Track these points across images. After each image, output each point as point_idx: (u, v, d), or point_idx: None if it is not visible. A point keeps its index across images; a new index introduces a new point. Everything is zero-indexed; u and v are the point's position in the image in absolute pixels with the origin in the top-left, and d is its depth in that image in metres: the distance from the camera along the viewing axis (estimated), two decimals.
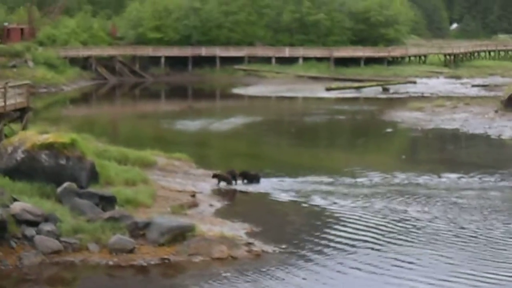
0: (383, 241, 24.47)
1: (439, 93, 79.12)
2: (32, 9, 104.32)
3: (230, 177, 32.70)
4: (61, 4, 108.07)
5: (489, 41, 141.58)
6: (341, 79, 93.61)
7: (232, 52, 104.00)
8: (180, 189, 30.59)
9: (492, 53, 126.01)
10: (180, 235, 23.34)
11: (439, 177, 34.73)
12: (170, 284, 21.15)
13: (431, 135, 50.27)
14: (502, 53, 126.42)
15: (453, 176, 35.00)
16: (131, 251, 22.53)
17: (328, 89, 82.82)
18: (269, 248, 23.45)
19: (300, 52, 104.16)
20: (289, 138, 50.89)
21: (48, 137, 27.69)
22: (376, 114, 62.21)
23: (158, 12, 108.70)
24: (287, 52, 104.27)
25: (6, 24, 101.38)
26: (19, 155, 27.08)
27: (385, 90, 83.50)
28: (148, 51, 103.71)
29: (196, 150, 41.89)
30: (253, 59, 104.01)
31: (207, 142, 48.81)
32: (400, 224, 26.46)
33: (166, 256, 22.50)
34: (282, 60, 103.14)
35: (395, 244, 24.21)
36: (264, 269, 21.75)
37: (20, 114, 36.11)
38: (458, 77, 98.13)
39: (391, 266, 22.10)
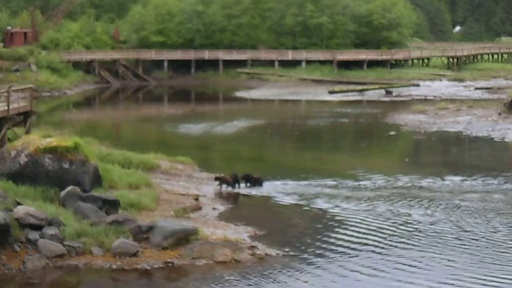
0: (386, 244, 24.45)
1: (442, 96, 79.11)
2: (35, 13, 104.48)
3: (232, 180, 32.69)
4: (64, 8, 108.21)
5: (492, 43, 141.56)
6: (344, 82, 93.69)
7: (235, 56, 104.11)
8: (183, 193, 30.59)
9: (495, 56, 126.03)
10: (183, 238, 23.34)
11: (443, 180, 34.71)
12: None
13: (434, 138, 50.23)
14: (505, 56, 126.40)
15: (457, 179, 34.98)
16: (134, 254, 22.54)
17: (331, 92, 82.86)
18: (273, 252, 23.45)
19: (303, 55, 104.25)
20: (292, 141, 50.87)
21: (52, 141, 27.72)
22: (379, 117, 62.19)
23: (161, 15, 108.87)
24: (290, 55, 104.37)
25: (9, 28, 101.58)
26: (23, 159, 27.10)
27: (388, 93, 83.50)
28: (151, 54, 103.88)
29: (199, 153, 41.89)
30: (256, 63, 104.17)
31: (210, 146, 48.83)
32: (403, 227, 26.45)
33: (169, 260, 22.50)
34: (285, 63, 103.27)
35: (398, 247, 24.20)
36: (267, 273, 21.74)
37: (24, 118, 36.19)
38: (461, 80, 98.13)
39: (395, 270, 22.07)
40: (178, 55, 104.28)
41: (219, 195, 31.52)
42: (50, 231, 22.89)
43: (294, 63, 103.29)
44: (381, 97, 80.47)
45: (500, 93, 76.39)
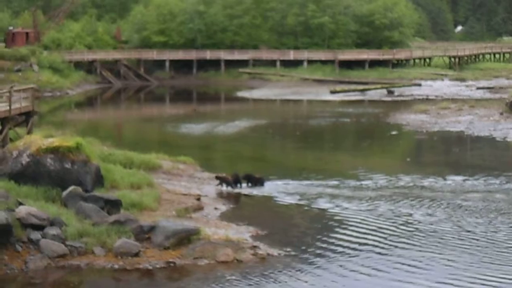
0: (388, 244, 24.45)
1: (444, 95, 79.10)
2: (37, 13, 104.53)
3: (232, 180, 32.69)
4: (65, 8, 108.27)
5: (494, 43, 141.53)
6: (346, 82, 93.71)
7: (237, 56, 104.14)
8: (185, 193, 30.61)
9: (497, 56, 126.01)
10: (185, 238, 23.36)
11: (444, 179, 34.71)
12: None
13: (436, 138, 50.22)
14: (507, 56, 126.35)
15: (458, 178, 34.98)
16: (136, 254, 22.55)
17: (333, 92, 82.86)
18: (275, 252, 23.46)
19: (304, 55, 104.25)
20: (294, 141, 50.88)
21: (53, 141, 27.74)
22: (381, 116, 62.19)
23: (162, 15, 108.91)
24: (291, 55, 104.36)
25: (11, 28, 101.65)
26: (25, 159, 27.12)
27: (390, 92, 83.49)
28: (153, 54, 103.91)
29: (201, 153, 41.90)
30: (257, 62, 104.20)
31: (212, 146, 48.84)
32: (404, 227, 26.45)
33: (171, 260, 22.52)
34: (287, 63, 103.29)
35: (399, 247, 24.19)
36: (269, 273, 21.75)
37: (25, 118, 36.23)
38: (463, 80, 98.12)
39: (396, 270, 22.07)
40: (179, 55, 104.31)
41: (221, 195, 31.53)
42: (52, 231, 22.91)
43: (296, 63, 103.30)
44: (383, 97, 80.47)
45: (502, 93, 76.38)
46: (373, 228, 26.33)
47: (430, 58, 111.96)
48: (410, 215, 28.10)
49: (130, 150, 36.23)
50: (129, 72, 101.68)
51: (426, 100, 74.67)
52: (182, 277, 21.76)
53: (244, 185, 32.95)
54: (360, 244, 24.44)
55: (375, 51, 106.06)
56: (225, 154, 45.65)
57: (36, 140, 28.04)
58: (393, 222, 27.04)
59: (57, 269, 21.93)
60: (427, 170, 37.33)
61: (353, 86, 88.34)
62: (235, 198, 31.36)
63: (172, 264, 22.35)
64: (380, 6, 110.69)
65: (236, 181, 32.80)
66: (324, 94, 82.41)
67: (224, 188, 32.40)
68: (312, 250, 23.88)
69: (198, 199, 29.65)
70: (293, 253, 23.49)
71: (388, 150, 48.60)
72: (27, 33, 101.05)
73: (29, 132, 34.60)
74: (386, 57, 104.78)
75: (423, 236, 25.31)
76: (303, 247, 24.12)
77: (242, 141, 50.27)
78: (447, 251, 23.68)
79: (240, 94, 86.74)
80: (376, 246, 24.17)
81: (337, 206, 29.53)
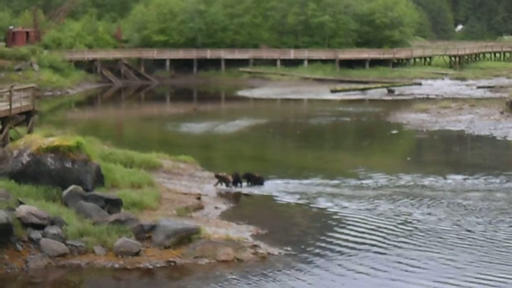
0: (388, 243, 24.44)
1: (444, 94, 79.11)
2: (37, 13, 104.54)
3: (230, 179, 32.69)
4: (66, 7, 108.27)
5: (494, 42, 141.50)
6: (346, 81, 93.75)
7: (237, 55, 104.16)
8: (185, 192, 30.61)
9: (497, 55, 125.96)
10: (185, 237, 23.36)
11: (445, 178, 34.71)
12: (176, 287, 21.16)
13: (436, 137, 50.22)
14: (507, 55, 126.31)
15: (459, 177, 34.97)
16: (137, 253, 22.56)
17: (333, 91, 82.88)
18: (275, 251, 23.46)
19: (305, 54, 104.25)
20: (294, 140, 50.89)
21: (54, 140, 27.75)
22: (381, 116, 62.19)
23: (163, 14, 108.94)
24: (292, 54, 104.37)
25: (11, 27, 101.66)
26: (25, 158, 27.13)
27: (390, 92, 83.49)
28: (153, 54, 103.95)
29: (201, 152, 41.91)
30: (258, 62, 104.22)
31: (212, 145, 48.85)
32: (405, 227, 26.44)
33: (172, 259, 22.52)
34: (287, 62, 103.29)
35: (400, 246, 24.18)
36: (269, 272, 21.75)
37: (26, 117, 36.23)
38: (463, 79, 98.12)
39: (397, 270, 22.06)
40: (180, 54, 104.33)
41: (221, 194, 31.54)
42: (53, 230, 22.92)
43: (296, 62, 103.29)
44: (383, 96, 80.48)
45: (502, 92, 76.39)
46: (373, 227, 26.32)
47: (430, 57, 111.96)
48: (410, 214, 28.10)
49: (130, 149, 36.23)
50: (130, 71, 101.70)
51: (427, 99, 74.68)
52: (183, 276, 21.77)
53: (244, 184, 32.95)
54: (360, 243, 24.44)
55: (376, 50, 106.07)
56: (225, 153, 45.66)
57: (37, 139, 28.05)
58: (393, 222, 27.04)
59: (58, 268, 21.94)
60: (428, 169, 37.33)
61: (353, 85, 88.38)
62: (236, 197, 31.36)
63: (172, 263, 22.36)
64: (380, 5, 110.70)
65: (236, 180, 32.80)
66: (324, 93, 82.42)
67: (224, 187, 32.39)
68: (312, 249, 23.88)
69: (199, 198, 29.65)
70: (293, 252, 23.49)
71: (389, 149, 48.60)
72: (27, 33, 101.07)
73: (29, 132, 34.60)
74: (386, 56, 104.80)
75: (423, 236, 25.30)
76: (304, 246, 24.12)
77: (242, 140, 50.28)
78: (447, 251, 23.67)
79: (241, 93, 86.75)
80: (376, 246, 24.17)
81: (337, 205, 29.53)
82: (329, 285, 20.99)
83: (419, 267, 22.20)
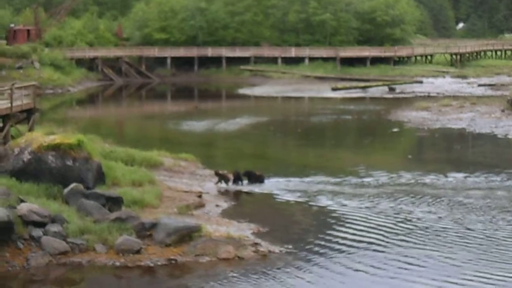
0: (389, 242, 24.44)
1: (445, 92, 79.08)
2: (38, 11, 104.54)
3: (230, 177, 32.70)
4: (67, 5, 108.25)
5: (496, 40, 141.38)
6: (347, 79, 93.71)
7: (238, 53, 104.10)
8: (186, 190, 30.62)
9: (498, 53, 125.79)
10: (186, 235, 23.37)
11: (446, 176, 34.70)
12: (177, 285, 21.18)
13: (438, 135, 50.21)
14: (508, 53, 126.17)
15: (460, 175, 34.97)
16: (138, 251, 22.57)
17: (334, 89, 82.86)
18: (276, 249, 23.47)
19: (306, 52, 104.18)
20: (295, 138, 50.88)
21: (55, 138, 27.75)
22: (382, 114, 62.19)
23: (164, 12, 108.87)
24: (293, 52, 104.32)
25: (12, 25, 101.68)
26: (26, 156, 27.14)
27: (391, 90, 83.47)
28: (154, 52, 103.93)
29: (202, 150, 41.92)
30: (259, 60, 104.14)
31: (213, 143, 48.85)
32: (406, 225, 26.44)
33: (172, 257, 22.53)
34: (288, 60, 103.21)
35: (400, 245, 24.18)
36: (270, 270, 21.76)
37: (27, 115, 36.22)
38: (464, 77, 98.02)
39: (397, 268, 22.05)
40: (181, 52, 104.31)
41: (222, 192, 31.55)
42: (54, 228, 22.93)
43: (297, 60, 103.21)
44: (384, 94, 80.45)
45: (503, 90, 76.36)
46: (374, 225, 26.32)
47: (431, 55, 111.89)
48: (411, 212, 28.09)
49: (131, 147, 36.24)
50: (131, 69, 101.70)
51: (428, 97, 74.64)
52: (184, 274, 21.78)
53: (245, 182, 32.95)
54: (360, 241, 24.44)
55: (377, 48, 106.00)
56: (226, 151, 45.67)
57: (38, 137, 28.06)
58: (394, 220, 27.03)
59: (59, 266, 21.95)
60: (428, 167, 37.32)
61: (354, 83, 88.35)
62: (237, 195, 31.37)
63: (173, 261, 22.36)
64: (381, 3, 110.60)
65: (236, 178, 32.81)
66: (325, 91, 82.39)
67: (224, 185, 32.38)
68: (313, 247, 23.89)
69: (200, 196, 29.66)
70: (294, 250, 23.50)
71: (390, 147, 48.59)
72: (28, 30, 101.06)
73: (30, 129, 34.60)
74: (387, 54, 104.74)
75: (424, 234, 25.30)
76: (304, 244, 24.13)
77: (243, 138, 50.28)
78: (447, 249, 23.66)
79: (242, 91, 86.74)
80: (377, 244, 24.16)
81: (338, 203, 29.53)
82: (329, 283, 21.00)
83: (419, 265, 22.20)
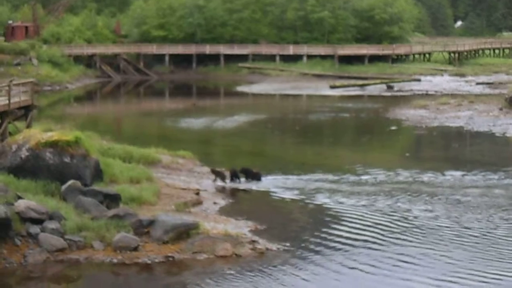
0: (386, 240, 24.45)
1: (443, 91, 79.10)
2: (36, 7, 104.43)
3: (225, 174, 32.71)
4: (65, 2, 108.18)
5: (494, 38, 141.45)
6: (346, 77, 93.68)
7: (236, 50, 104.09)
8: (184, 187, 30.62)
9: (496, 51, 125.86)
10: (184, 233, 23.37)
11: (443, 175, 34.72)
12: (175, 282, 21.17)
13: (436, 133, 50.23)
14: (506, 51, 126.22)
15: (457, 174, 34.99)
16: (135, 249, 22.57)
17: (332, 87, 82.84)
18: (273, 246, 23.48)
19: (304, 50, 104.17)
20: (293, 136, 50.88)
21: (53, 135, 27.74)
22: (380, 112, 62.20)
23: (162, 10, 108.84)
24: (291, 50, 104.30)
25: (10, 22, 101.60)
26: (24, 153, 27.12)
27: (390, 88, 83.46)
28: (153, 49, 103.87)
29: (200, 148, 41.90)
30: (257, 57, 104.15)
31: (211, 140, 48.85)
32: (403, 223, 26.45)
33: (170, 254, 22.53)
34: (287, 58, 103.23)
35: (398, 243, 24.19)
36: (268, 267, 21.77)
37: (25, 112, 36.21)
38: (462, 75, 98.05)
39: (394, 266, 22.06)
40: (179, 49, 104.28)
41: (220, 190, 31.54)
42: (51, 225, 22.93)
43: (295, 58, 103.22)
44: (382, 92, 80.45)
45: (501, 88, 76.38)
46: (371, 223, 26.33)
47: (429, 54, 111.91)
48: (409, 210, 28.11)
49: (129, 144, 36.24)
50: (129, 66, 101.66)
51: (426, 95, 74.66)
52: (181, 271, 21.78)
53: (242, 179, 32.94)
54: (358, 239, 24.45)
55: (375, 46, 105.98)
56: (224, 149, 45.66)
57: (35, 134, 28.04)
58: (391, 218, 27.04)
59: (56, 263, 21.95)
60: (426, 166, 37.34)
61: (352, 81, 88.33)
62: (234, 193, 31.37)
63: (171, 259, 22.37)
64: (380, 1, 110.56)
65: (233, 176, 32.80)
66: (323, 89, 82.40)
67: (221, 183, 32.38)
68: (310, 245, 23.90)
69: (197, 194, 29.67)
70: (291, 248, 23.51)
71: (388, 145, 48.61)
72: (26, 27, 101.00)
73: (28, 126, 34.58)
74: (385, 52, 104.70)
75: (421, 232, 25.31)
76: (302, 242, 24.13)
77: (241, 136, 50.29)
78: (444, 247, 23.67)
79: (240, 88, 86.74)
80: (374, 242, 24.17)
81: (335, 201, 29.54)
82: (326, 281, 21.01)
83: (415, 264, 22.20)
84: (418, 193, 30.86)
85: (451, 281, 20.84)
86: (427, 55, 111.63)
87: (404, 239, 24.50)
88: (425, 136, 49.65)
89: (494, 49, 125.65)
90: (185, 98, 79.24)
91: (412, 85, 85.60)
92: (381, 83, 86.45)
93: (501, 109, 58.15)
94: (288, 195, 30.67)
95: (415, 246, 23.78)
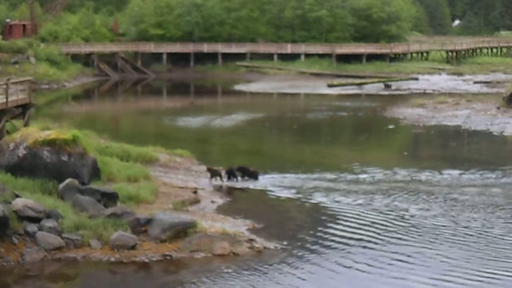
0: (383, 239, 24.46)
1: (441, 89, 79.12)
2: (34, 6, 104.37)
3: (221, 173, 32.70)
4: (63, 0, 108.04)
5: (492, 37, 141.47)
6: (343, 75, 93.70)
7: (234, 49, 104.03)
8: (182, 186, 30.61)
9: (494, 50, 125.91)
10: (182, 231, 23.37)
11: (441, 173, 34.73)
12: (172, 281, 21.17)
13: (433, 132, 50.25)
14: (504, 50, 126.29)
15: (455, 172, 35.00)
16: (133, 247, 22.57)
17: (330, 86, 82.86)
18: (271, 245, 23.48)
19: (302, 48, 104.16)
20: (291, 135, 50.88)
21: (50, 134, 27.74)
22: (378, 110, 62.20)
23: (160, 8, 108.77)
24: (289, 48, 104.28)
25: (8, 20, 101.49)
26: (21, 152, 27.11)
27: (387, 86, 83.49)
28: (150, 47, 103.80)
29: (198, 146, 41.90)
30: (255, 56, 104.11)
31: (209, 139, 48.84)
32: (400, 222, 26.46)
33: (168, 253, 22.53)
34: (284, 57, 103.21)
35: (395, 242, 24.21)
36: (265, 266, 21.77)
37: (22, 111, 36.13)
38: (460, 74, 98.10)
39: (391, 265, 22.07)
40: (177, 48, 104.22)
41: (218, 188, 31.54)
42: (49, 223, 22.92)
43: (293, 57, 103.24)
44: (380, 91, 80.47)
45: (499, 87, 76.38)
46: (368, 222, 26.35)
47: (427, 52, 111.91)
48: (406, 209, 28.11)
49: (127, 143, 36.22)
50: (126, 65, 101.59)
51: (423, 94, 74.67)
52: (179, 270, 21.78)
53: (239, 178, 32.93)
54: (355, 238, 24.46)
55: (373, 45, 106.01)
56: (222, 148, 45.66)
57: (33, 132, 28.03)
58: (388, 217, 27.05)
59: (54, 262, 21.95)
60: (424, 164, 37.36)
61: (350, 80, 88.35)
62: (232, 192, 31.36)
63: (168, 257, 22.37)
64: (377, 0, 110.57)
65: (230, 174, 32.79)
66: (321, 87, 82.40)
67: (218, 181, 32.36)
68: (308, 243, 23.91)
69: (195, 192, 29.66)
70: (289, 246, 23.52)
71: (385, 144, 48.62)
72: (24, 26, 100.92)
73: (26, 125, 34.52)
74: (383, 51, 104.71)
75: (419, 231, 25.32)
76: (299, 241, 24.14)
77: (239, 135, 50.28)
78: (441, 246, 23.68)
79: (237, 87, 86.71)
80: (371, 241, 24.18)
81: (333, 200, 29.55)
82: (323, 280, 21.02)
83: (412, 262, 22.22)
84: (416, 192, 30.88)
85: (447, 280, 20.85)
86: (424, 54, 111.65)
87: (401, 238, 24.52)
88: (422, 135, 49.67)
89: (491, 48, 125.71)
90: (183, 96, 79.19)
91: (409, 84, 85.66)
92: (379, 82, 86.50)
93: (498, 108, 58.16)
94: (285, 193, 30.68)
95: (412, 245, 23.79)
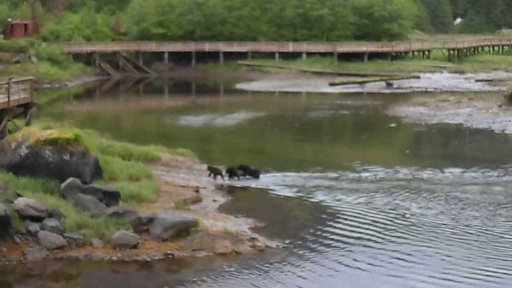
0: (385, 237, 24.46)
1: (442, 88, 79.09)
2: (35, 5, 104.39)
3: (222, 171, 32.71)
4: None
5: (493, 35, 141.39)
6: (345, 74, 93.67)
7: (236, 48, 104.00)
8: (183, 184, 30.63)
9: (496, 48, 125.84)
10: (184, 230, 23.38)
11: (443, 172, 34.73)
12: (174, 280, 21.18)
13: (435, 130, 50.25)
14: (506, 48, 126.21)
15: (457, 171, 35.00)
16: (135, 246, 22.58)
17: (331, 84, 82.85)
18: (273, 244, 23.49)
19: (303, 47, 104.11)
20: (293, 133, 50.89)
21: (52, 133, 27.75)
22: (379, 109, 62.20)
23: (161, 7, 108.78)
24: (290, 47, 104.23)
25: (9, 19, 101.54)
26: (23, 151, 27.13)
27: (389, 85, 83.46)
28: (152, 46, 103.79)
29: (199, 145, 41.92)
30: (256, 54, 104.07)
31: (210, 138, 48.86)
32: (402, 220, 26.46)
33: (170, 252, 22.54)
34: (286, 55, 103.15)
35: (397, 240, 24.21)
36: (268, 265, 21.78)
37: (24, 110, 36.20)
38: (462, 72, 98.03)
39: (393, 264, 22.07)
40: (178, 47, 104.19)
41: (219, 187, 31.55)
42: (51, 222, 22.94)
43: (295, 55, 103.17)
44: (382, 89, 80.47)
45: (500, 85, 76.34)
46: (370, 221, 26.35)
47: (429, 51, 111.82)
48: (408, 208, 28.11)
49: (128, 142, 36.23)
50: (128, 64, 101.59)
51: (425, 92, 74.67)
52: (181, 269, 21.79)
53: (241, 177, 32.93)
54: (357, 237, 24.46)
55: (374, 44, 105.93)
56: (223, 146, 45.68)
57: (35, 131, 28.05)
58: (390, 215, 27.06)
59: (56, 261, 21.96)
60: (426, 163, 37.35)
61: (352, 79, 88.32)
62: (234, 190, 31.37)
63: (170, 256, 22.38)
64: None
65: (232, 173, 32.79)
66: (323, 86, 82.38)
67: (219, 180, 32.37)
68: (309, 242, 23.92)
69: (197, 191, 29.67)
70: (291, 245, 23.53)
71: (387, 142, 48.62)
72: (25, 25, 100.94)
73: (27, 124, 34.58)
74: (385, 49, 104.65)
75: (420, 230, 25.32)
76: (301, 239, 24.15)
77: (240, 133, 50.29)
78: (444, 245, 23.68)
79: (239, 86, 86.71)
80: (373, 240, 24.19)
81: (335, 198, 29.56)
82: (325, 278, 21.02)
83: (414, 261, 22.21)
84: (417, 190, 30.88)
85: (448, 279, 20.86)
86: (426, 52, 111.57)
87: (402, 237, 24.52)
88: (424, 133, 49.67)
89: (493, 46, 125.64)
90: (184, 95, 79.22)
91: (411, 82, 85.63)
92: (380, 80, 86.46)
93: (500, 106, 58.15)
94: (287, 192, 30.69)
95: (413, 244, 23.78)
